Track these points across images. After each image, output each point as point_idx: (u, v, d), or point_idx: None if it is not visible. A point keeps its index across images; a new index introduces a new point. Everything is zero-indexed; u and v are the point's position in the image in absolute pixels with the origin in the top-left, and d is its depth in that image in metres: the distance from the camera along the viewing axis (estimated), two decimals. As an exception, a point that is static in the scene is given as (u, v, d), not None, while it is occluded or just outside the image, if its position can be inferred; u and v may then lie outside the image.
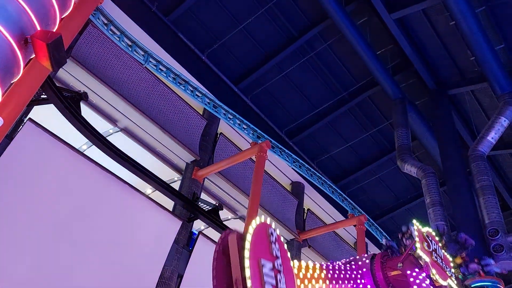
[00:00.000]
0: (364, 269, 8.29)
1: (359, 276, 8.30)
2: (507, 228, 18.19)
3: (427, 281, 7.84)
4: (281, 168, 20.23)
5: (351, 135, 24.53)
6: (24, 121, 10.82)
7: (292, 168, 18.87)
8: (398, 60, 22.42)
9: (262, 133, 17.02)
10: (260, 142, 14.75)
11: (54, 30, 6.86)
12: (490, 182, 19.25)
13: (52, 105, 11.43)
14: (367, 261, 8.49)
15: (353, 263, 8.65)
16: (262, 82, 21.73)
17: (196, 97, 15.67)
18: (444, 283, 8.21)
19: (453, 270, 8.69)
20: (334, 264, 8.05)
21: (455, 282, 8.63)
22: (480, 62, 19.96)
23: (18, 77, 6.44)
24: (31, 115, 11.40)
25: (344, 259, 9.16)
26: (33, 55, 6.51)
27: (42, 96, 11.22)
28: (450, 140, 21.55)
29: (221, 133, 17.88)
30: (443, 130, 22.03)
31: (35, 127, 10.73)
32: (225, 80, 20.83)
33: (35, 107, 11.58)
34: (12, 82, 6.40)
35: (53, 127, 11.44)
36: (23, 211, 10.08)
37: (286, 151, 18.13)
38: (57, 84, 11.94)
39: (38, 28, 6.30)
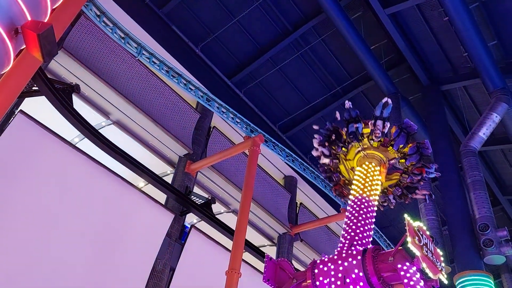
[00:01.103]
0: (355, 262, 8.33)
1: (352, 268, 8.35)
2: (497, 223, 18.37)
3: (418, 275, 7.90)
4: (274, 162, 20.25)
5: (345, 130, 24.54)
6: (15, 113, 10.71)
7: (285, 162, 18.90)
8: (391, 55, 22.48)
9: (256, 127, 17.00)
10: (253, 136, 14.73)
11: (45, 21, 6.78)
12: (481, 178, 19.44)
13: (43, 97, 11.33)
14: (359, 255, 8.53)
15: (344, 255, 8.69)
16: (256, 76, 21.69)
17: (189, 90, 15.60)
18: (434, 277, 8.28)
19: (443, 264, 8.75)
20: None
21: (445, 276, 8.71)
22: (473, 58, 20.06)
23: (9, 68, 6.37)
24: (22, 107, 11.28)
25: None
26: (24, 46, 6.44)
27: (33, 88, 11.11)
28: (442, 135, 21.70)
29: (214, 126, 17.83)
30: (436, 126, 22.17)
31: (26, 119, 10.63)
32: (219, 74, 20.76)
33: (26, 99, 11.47)
34: (2, 73, 6.33)
35: (45, 119, 11.35)
36: (14, 203, 10.01)
37: (279, 145, 18.14)
38: (49, 76, 11.83)
39: (29, 19, 6.22)
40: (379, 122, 10.41)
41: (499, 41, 21.07)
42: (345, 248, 8.92)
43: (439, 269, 8.47)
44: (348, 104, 11.14)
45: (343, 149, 10.91)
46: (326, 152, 11.10)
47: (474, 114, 23.96)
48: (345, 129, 10.76)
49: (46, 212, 10.55)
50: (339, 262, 8.44)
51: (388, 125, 10.61)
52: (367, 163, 10.61)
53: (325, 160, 11.19)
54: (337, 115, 11.52)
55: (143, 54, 14.35)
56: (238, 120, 16.76)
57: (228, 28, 19.95)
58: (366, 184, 10.13)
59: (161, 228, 13.10)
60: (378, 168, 10.50)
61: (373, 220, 9.74)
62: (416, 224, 8.48)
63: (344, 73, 22.69)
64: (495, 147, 25.29)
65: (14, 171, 10.19)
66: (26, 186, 10.34)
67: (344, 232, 9.52)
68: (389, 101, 10.80)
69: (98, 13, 13.48)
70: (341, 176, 11.46)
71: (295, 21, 20.60)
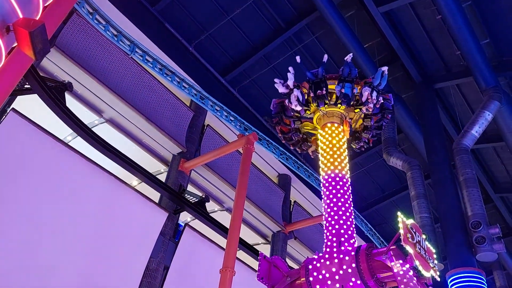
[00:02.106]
0: (350, 270, 8.32)
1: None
2: (489, 221, 18.51)
3: (411, 273, 7.94)
4: (268, 160, 20.25)
5: (338, 128, 24.57)
6: (7, 112, 10.63)
7: (279, 160, 18.90)
8: (385, 53, 22.53)
9: (249, 125, 16.98)
10: (247, 134, 14.73)
11: (37, 18, 6.73)
12: (474, 175, 19.56)
13: (36, 95, 11.26)
14: (352, 252, 8.56)
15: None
16: (250, 73, 21.66)
17: (183, 88, 15.55)
18: (427, 274, 8.33)
19: (435, 262, 8.81)
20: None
21: (438, 273, 8.76)
22: (465, 56, 20.15)
23: (0, 66, 6.31)
24: (14, 105, 11.20)
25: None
26: (15, 44, 6.39)
27: (25, 86, 11.03)
28: (435, 133, 21.79)
29: (208, 124, 17.80)
30: (429, 124, 22.26)
31: (19, 117, 10.55)
32: (213, 72, 20.71)
33: (18, 97, 11.37)
34: (-7, 71, 6.27)
35: (37, 118, 11.26)
36: (6, 202, 9.94)
37: (273, 143, 18.14)
38: (41, 74, 11.75)
39: (21, 16, 6.16)
40: (375, 95, 10.12)
41: (492, 40, 21.19)
42: (334, 246, 8.88)
43: (432, 266, 8.53)
44: (349, 57, 10.70)
45: (326, 105, 10.27)
46: (301, 99, 10.28)
47: (467, 112, 24.10)
48: (341, 88, 10.11)
49: (38, 211, 10.48)
50: (334, 270, 8.37)
51: (381, 99, 10.37)
52: (329, 124, 10.29)
53: (298, 108, 10.40)
54: (325, 58, 11.00)
55: (136, 52, 14.28)
56: (232, 118, 16.74)
57: (222, 26, 19.90)
58: (335, 156, 9.83)
59: (155, 226, 13.07)
60: (341, 129, 10.21)
61: (351, 197, 9.62)
62: (409, 221, 8.52)
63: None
64: (487, 145, 25.46)
65: (6, 169, 10.11)
66: (18, 185, 10.26)
67: (326, 223, 9.35)
68: (386, 71, 10.53)
69: (91, 11, 13.39)
70: (299, 123, 10.88)
71: (289, 19, 20.59)
